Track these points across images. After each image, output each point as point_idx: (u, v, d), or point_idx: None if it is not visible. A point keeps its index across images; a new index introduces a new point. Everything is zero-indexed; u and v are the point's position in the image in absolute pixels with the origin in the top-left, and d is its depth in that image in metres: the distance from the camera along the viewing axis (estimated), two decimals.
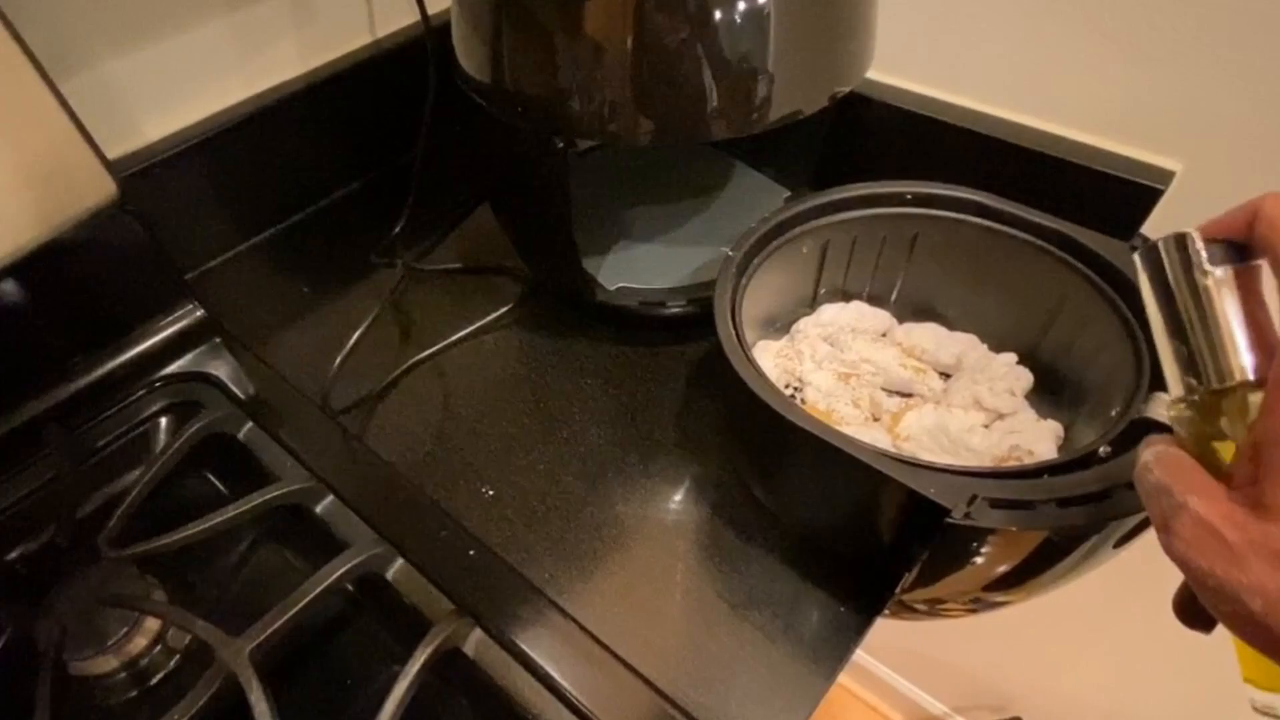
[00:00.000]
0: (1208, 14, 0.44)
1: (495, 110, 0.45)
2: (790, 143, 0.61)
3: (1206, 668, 0.81)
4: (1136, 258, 0.28)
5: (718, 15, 0.40)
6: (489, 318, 0.60)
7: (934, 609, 0.47)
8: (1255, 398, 0.25)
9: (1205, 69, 0.46)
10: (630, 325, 0.58)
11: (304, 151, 0.68)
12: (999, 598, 0.43)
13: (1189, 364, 0.26)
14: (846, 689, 1.38)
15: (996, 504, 0.32)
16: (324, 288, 0.64)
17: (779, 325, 0.53)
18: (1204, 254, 0.26)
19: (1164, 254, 0.27)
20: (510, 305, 0.61)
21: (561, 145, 0.44)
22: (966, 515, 0.32)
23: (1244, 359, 0.25)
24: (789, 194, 0.61)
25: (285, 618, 0.42)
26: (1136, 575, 0.70)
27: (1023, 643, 1.02)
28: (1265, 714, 0.25)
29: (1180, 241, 0.27)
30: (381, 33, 0.71)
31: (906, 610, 0.46)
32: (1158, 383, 0.37)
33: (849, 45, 0.46)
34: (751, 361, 0.39)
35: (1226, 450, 0.26)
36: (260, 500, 0.48)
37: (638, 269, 0.57)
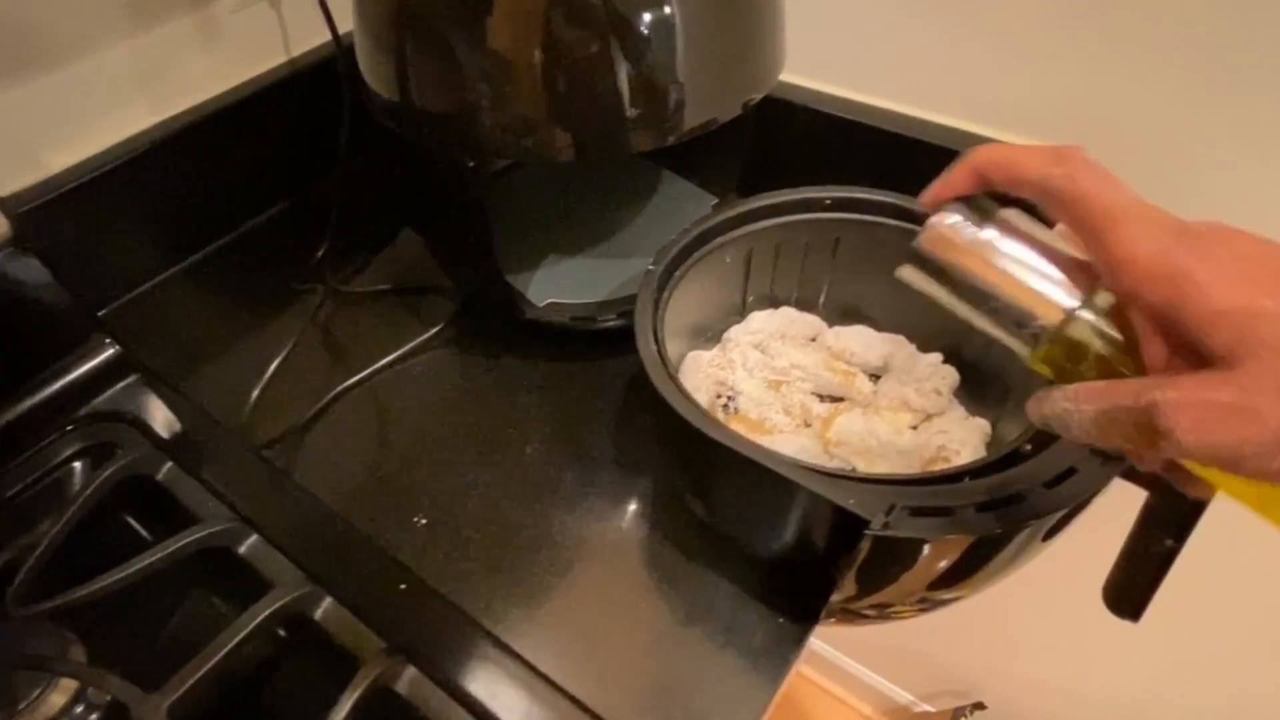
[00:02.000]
0: (1098, 11, 0.45)
1: (404, 132, 0.44)
2: (715, 149, 0.61)
3: (1160, 645, 0.82)
4: (904, 273, 0.30)
5: (624, 27, 0.40)
6: (419, 339, 0.58)
7: (883, 613, 0.47)
8: (1086, 313, 0.26)
9: (1099, 65, 0.47)
10: (563, 340, 0.58)
11: (220, 176, 0.65)
12: (945, 595, 0.43)
13: (1017, 321, 0.27)
14: (814, 683, 1.39)
15: (916, 512, 0.32)
16: (247, 316, 0.62)
17: (710, 334, 0.53)
18: (961, 228, 0.28)
19: (929, 250, 0.28)
20: (441, 325, 0.59)
21: (473, 165, 0.43)
22: (885, 525, 0.31)
23: (1062, 287, 0.26)
24: (716, 200, 0.61)
25: (204, 670, 0.40)
26: (1089, 558, 0.71)
27: (984, 630, 1.04)
28: None
29: (935, 233, 0.28)
30: (296, 52, 0.69)
31: (857, 617, 0.46)
32: None
33: (758, 53, 0.46)
34: (673, 379, 0.39)
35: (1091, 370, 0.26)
36: (177, 545, 0.46)
37: (567, 283, 0.57)
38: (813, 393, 0.50)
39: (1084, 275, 0.26)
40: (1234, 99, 0.45)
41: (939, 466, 0.42)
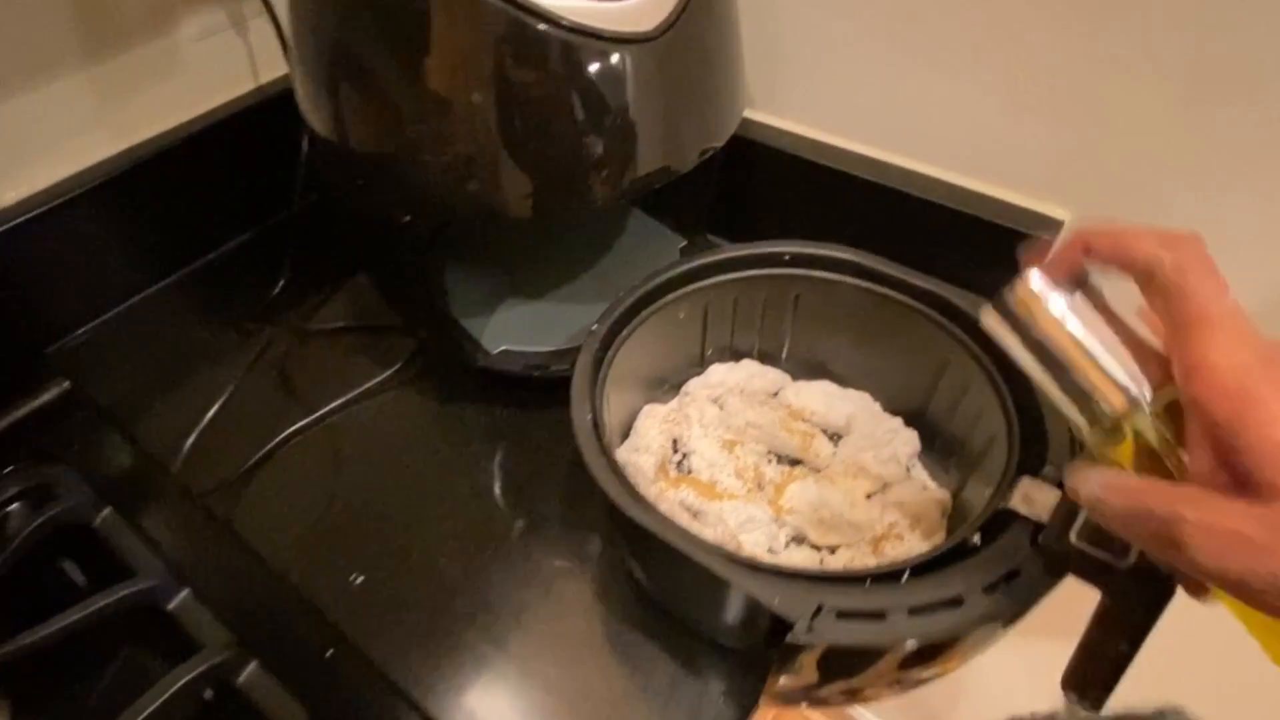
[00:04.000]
0: (1077, 63, 0.43)
1: (334, 181, 0.43)
2: (684, 190, 0.59)
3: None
4: (986, 319, 0.29)
5: (576, 81, 0.38)
6: (373, 381, 0.57)
7: (855, 698, 0.45)
8: (1149, 407, 0.26)
9: (1081, 117, 0.45)
10: (520, 387, 0.56)
11: (179, 208, 0.64)
12: (919, 676, 0.41)
13: (1082, 396, 0.27)
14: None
15: (845, 614, 0.30)
16: (204, 354, 0.60)
17: (669, 385, 0.51)
18: (1050, 291, 0.27)
19: (1016, 304, 0.28)
20: (398, 366, 0.58)
21: (408, 219, 0.41)
22: (810, 629, 0.29)
23: (1131, 376, 0.26)
24: (684, 243, 0.59)
25: None
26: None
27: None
28: None
29: (1025, 289, 0.27)
30: (266, 79, 0.68)
31: (825, 703, 0.44)
32: (1024, 465, 0.35)
33: (716, 103, 0.44)
34: (606, 452, 0.37)
35: (1123, 455, 0.27)
36: (105, 602, 0.44)
37: (525, 329, 0.55)
38: (770, 453, 0.48)
39: (1155, 366, 0.26)
40: (1212, 153, 0.42)
41: (889, 545, 0.40)
